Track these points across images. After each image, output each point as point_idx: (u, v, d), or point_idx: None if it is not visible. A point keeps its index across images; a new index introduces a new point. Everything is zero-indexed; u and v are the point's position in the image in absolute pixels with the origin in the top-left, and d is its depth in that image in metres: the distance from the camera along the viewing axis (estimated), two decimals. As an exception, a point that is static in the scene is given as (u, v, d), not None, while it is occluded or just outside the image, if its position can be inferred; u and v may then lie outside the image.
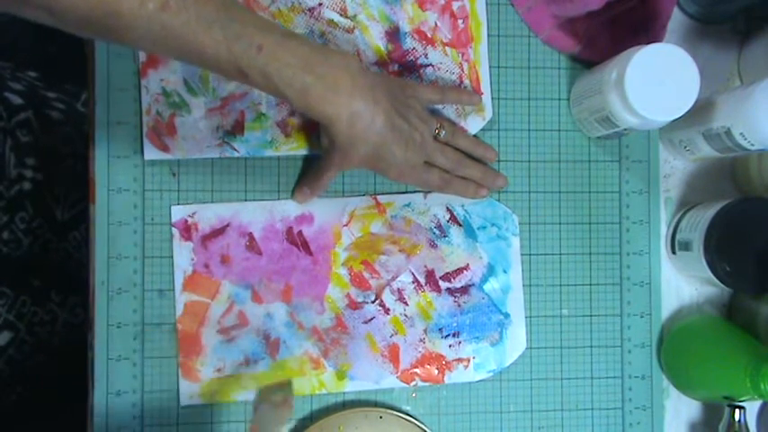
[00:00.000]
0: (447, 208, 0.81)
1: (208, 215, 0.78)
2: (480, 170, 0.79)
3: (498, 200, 0.82)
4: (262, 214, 0.79)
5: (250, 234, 0.78)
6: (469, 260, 0.81)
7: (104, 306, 0.77)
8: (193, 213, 0.78)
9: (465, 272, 0.81)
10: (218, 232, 0.78)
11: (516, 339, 0.81)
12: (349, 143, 0.68)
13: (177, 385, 0.77)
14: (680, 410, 0.84)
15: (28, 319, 0.91)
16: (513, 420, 0.81)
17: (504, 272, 0.82)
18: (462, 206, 0.81)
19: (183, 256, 0.78)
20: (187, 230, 0.78)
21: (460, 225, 0.81)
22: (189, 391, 0.77)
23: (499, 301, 0.81)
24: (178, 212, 0.78)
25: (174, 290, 0.78)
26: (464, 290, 0.81)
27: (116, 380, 0.77)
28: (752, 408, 0.83)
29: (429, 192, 0.81)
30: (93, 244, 0.77)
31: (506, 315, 0.81)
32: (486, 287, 0.81)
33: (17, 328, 0.90)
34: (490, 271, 0.81)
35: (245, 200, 0.79)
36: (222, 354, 0.78)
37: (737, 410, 0.76)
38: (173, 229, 0.78)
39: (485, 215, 0.82)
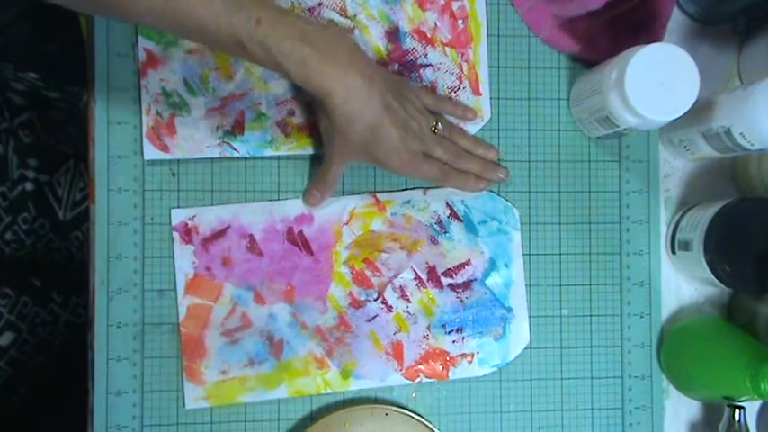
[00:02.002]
0: (447, 204, 0.81)
1: (208, 218, 0.78)
2: (480, 163, 0.79)
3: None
4: (262, 215, 0.79)
5: (250, 235, 0.78)
6: (471, 255, 0.81)
7: (104, 306, 0.77)
8: (193, 216, 0.78)
9: (466, 267, 0.81)
10: (219, 235, 0.78)
11: (520, 333, 0.82)
12: (346, 120, 0.68)
13: (177, 385, 0.77)
14: (680, 410, 0.84)
15: (30, 319, 0.91)
16: (513, 420, 0.81)
17: (506, 266, 0.82)
18: (462, 201, 0.81)
19: (185, 259, 0.78)
20: (187, 234, 0.78)
21: (461, 220, 0.81)
22: (194, 393, 0.77)
23: (502, 295, 0.81)
24: (178, 216, 0.78)
25: (176, 293, 0.78)
26: (466, 285, 0.81)
27: (116, 380, 0.77)
28: (752, 408, 0.83)
29: (428, 188, 0.81)
30: (93, 244, 0.77)
31: (509, 309, 0.81)
32: (489, 282, 0.81)
33: (19, 328, 0.90)
34: (492, 265, 0.82)
35: (245, 200, 0.79)
36: (226, 356, 0.78)
37: (737, 410, 0.76)
38: (173, 232, 0.78)
39: (485, 210, 0.82)
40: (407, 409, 0.78)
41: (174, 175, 0.78)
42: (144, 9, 0.60)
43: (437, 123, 0.76)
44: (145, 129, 0.77)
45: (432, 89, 0.81)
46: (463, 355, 0.81)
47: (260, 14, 0.62)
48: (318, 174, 0.77)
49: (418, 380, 0.80)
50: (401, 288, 0.80)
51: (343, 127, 0.69)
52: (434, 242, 0.81)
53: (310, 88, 0.66)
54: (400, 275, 0.80)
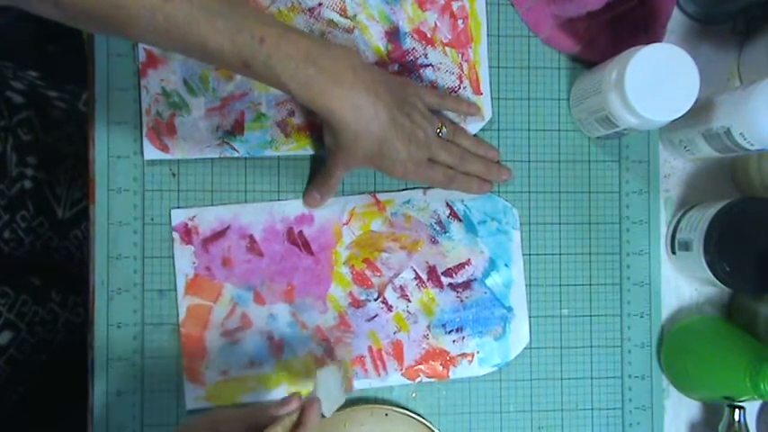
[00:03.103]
0: (447, 203, 0.81)
1: (208, 218, 0.78)
2: (483, 165, 0.79)
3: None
4: (262, 216, 0.79)
5: (250, 236, 0.78)
6: (471, 255, 0.81)
7: (104, 306, 0.77)
8: (193, 217, 0.78)
9: (466, 267, 0.81)
10: (219, 235, 0.78)
11: (519, 333, 0.82)
12: (352, 138, 0.68)
13: (177, 385, 0.77)
14: (680, 410, 0.84)
15: (29, 318, 0.91)
16: (513, 420, 0.81)
17: (506, 266, 0.82)
18: (462, 201, 0.81)
19: (185, 259, 0.78)
20: (187, 234, 0.78)
21: (461, 220, 0.81)
22: (194, 394, 0.77)
23: (501, 295, 0.81)
24: (178, 216, 0.78)
25: (176, 293, 0.78)
26: (466, 285, 0.81)
27: (116, 380, 0.77)
28: (752, 408, 0.83)
29: (428, 188, 0.81)
30: (93, 244, 0.77)
31: (509, 309, 0.81)
32: (489, 281, 0.81)
33: (18, 327, 0.90)
34: (492, 265, 0.82)
35: (245, 200, 0.79)
36: (227, 356, 0.78)
37: (737, 410, 0.76)
38: (173, 233, 0.78)
39: (485, 210, 0.82)
40: (407, 409, 0.78)
41: (174, 175, 0.78)
42: (144, 27, 0.59)
43: (442, 127, 0.76)
44: (145, 129, 0.77)
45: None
46: (463, 355, 0.81)
47: (263, 33, 0.62)
48: (319, 177, 0.77)
49: (418, 380, 0.80)
50: (401, 288, 0.80)
51: (349, 143, 0.69)
52: (434, 242, 0.81)
53: (315, 108, 0.66)
54: (400, 275, 0.80)
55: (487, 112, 0.82)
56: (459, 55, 0.81)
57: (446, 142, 0.76)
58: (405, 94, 0.73)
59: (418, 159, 0.73)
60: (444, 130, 0.76)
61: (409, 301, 0.80)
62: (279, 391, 0.78)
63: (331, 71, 0.65)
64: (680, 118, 0.70)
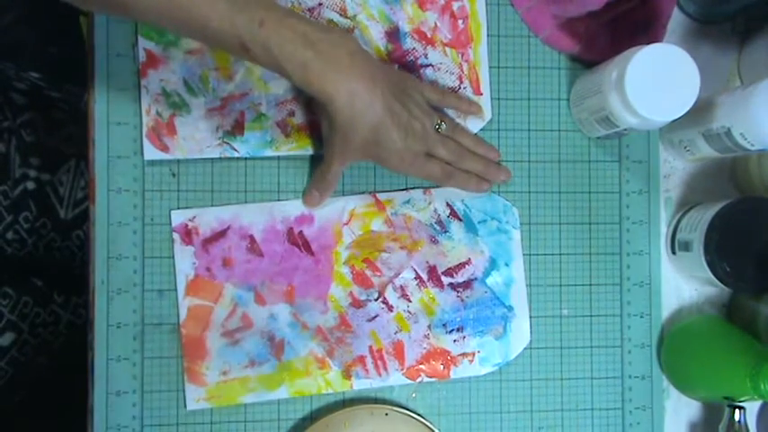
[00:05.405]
0: (447, 203, 0.81)
1: (208, 218, 0.78)
2: (482, 163, 0.79)
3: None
4: (262, 216, 0.79)
5: (251, 236, 0.78)
6: (471, 254, 0.81)
7: (104, 306, 0.77)
8: (193, 217, 0.78)
9: (467, 266, 0.81)
10: (219, 235, 0.78)
11: (520, 332, 0.82)
12: (348, 124, 0.68)
13: (177, 385, 0.77)
14: (680, 410, 0.84)
15: (30, 320, 0.91)
16: (513, 420, 0.81)
17: (506, 265, 0.82)
18: (462, 201, 0.81)
19: (185, 260, 0.78)
20: (188, 235, 0.78)
21: (461, 220, 0.81)
22: (195, 394, 0.77)
23: (502, 294, 0.81)
24: (178, 217, 0.78)
25: (176, 294, 0.78)
26: (467, 284, 0.81)
27: (116, 380, 0.77)
28: (752, 408, 0.82)
29: (428, 187, 0.81)
30: (93, 244, 0.77)
31: (510, 308, 0.81)
32: (489, 281, 0.81)
33: (20, 329, 0.90)
34: (492, 265, 0.82)
35: (245, 200, 0.79)
36: (227, 357, 0.78)
37: (737, 410, 0.76)
38: (173, 233, 0.78)
39: (485, 209, 0.82)
40: (407, 409, 0.78)
41: (174, 175, 0.78)
42: (147, 7, 0.60)
43: (441, 122, 0.76)
44: (145, 129, 0.77)
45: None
46: (464, 355, 0.81)
47: (264, 16, 0.62)
48: (318, 173, 0.77)
49: (419, 379, 0.80)
50: (401, 288, 0.80)
51: (344, 129, 0.69)
52: (434, 241, 0.81)
53: (312, 91, 0.66)
54: (401, 275, 0.80)
55: (487, 113, 0.82)
56: (460, 55, 0.81)
57: (444, 138, 0.76)
58: (404, 86, 0.73)
59: (415, 151, 0.73)
60: (443, 125, 0.76)
61: (410, 300, 0.80)
62: (280, 392, 0.78)
63: (329, 56, 0.65)
64: (680, 118, 0.70)
